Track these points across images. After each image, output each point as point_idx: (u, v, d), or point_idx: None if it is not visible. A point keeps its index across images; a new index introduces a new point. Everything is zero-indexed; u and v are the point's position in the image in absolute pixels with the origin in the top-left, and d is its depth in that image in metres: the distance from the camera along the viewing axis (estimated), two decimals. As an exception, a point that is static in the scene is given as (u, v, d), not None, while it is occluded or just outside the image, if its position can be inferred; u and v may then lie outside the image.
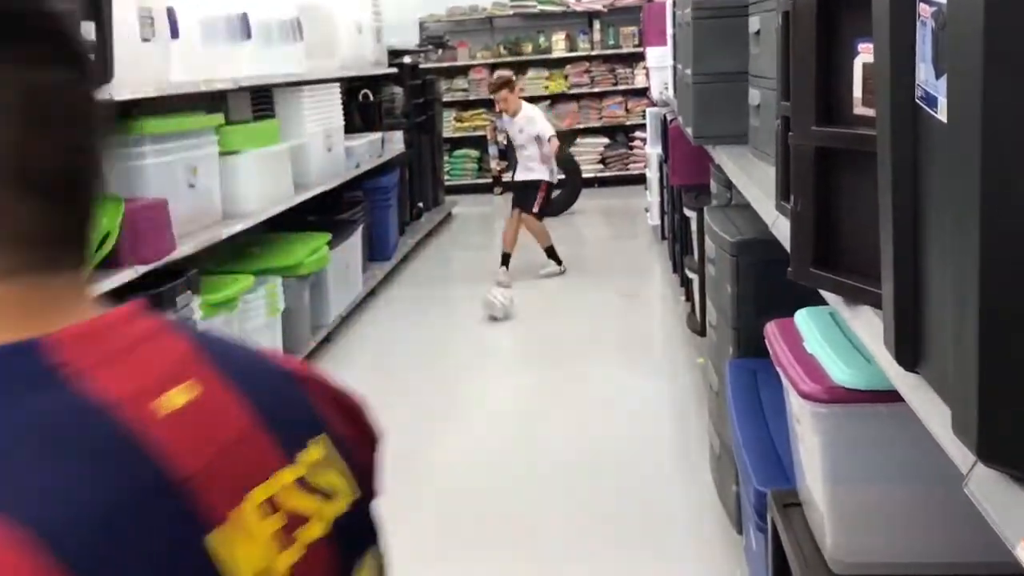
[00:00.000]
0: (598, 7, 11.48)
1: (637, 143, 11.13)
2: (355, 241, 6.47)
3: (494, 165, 11.32)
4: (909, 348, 1.04)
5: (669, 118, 6.54)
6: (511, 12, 11.61)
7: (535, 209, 7.31)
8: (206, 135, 4.43)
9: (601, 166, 11.41)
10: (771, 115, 2.86)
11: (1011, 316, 0.78)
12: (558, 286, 7.10)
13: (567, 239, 7.61)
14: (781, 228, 2.14)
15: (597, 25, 11.57)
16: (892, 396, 1.42)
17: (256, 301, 4.65)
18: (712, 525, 3.32)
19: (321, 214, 6.15)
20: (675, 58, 5.28)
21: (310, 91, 5.99)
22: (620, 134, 11.51)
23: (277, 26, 5.48)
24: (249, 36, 4.99)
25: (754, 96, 3.18)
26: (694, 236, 5.21)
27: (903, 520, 1.61)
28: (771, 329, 1.99)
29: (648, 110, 8.33)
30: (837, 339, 1.76)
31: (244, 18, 4.95)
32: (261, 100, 5.73)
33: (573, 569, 3.17)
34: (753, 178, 2.90)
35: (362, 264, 6.75)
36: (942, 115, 0.85)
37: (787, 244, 1.96)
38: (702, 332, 4.77)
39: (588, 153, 11.28)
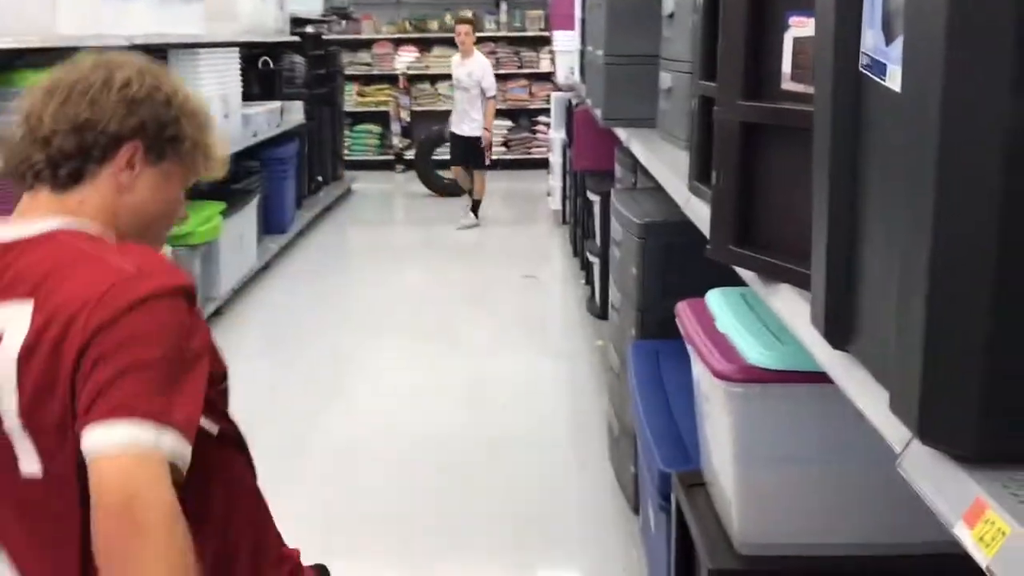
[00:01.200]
0: (506, -12, 11.40)
1: (540, 127, 11.12)
2: (250, 212, 6.28)
3: (396, 142, 11.16)
4: (839, 327, 1.02)
5: (575, 102, 6.53)
6: (418, -13, 11.44)
7: (488, 163, 8.33)
8: (95, 93, 4.20)
9: (504, 149, 11.37)
10: (682, 98, 2.86)
11: (959, 295, 0.76)
12: (458, 266, 7.04)
13: (468, 219, 7.58)
14: (694, 209, 2.13)
15: (504, 7, 11.49)
16: (809, 376, 1.42)
17: (144, 269, 4.45)
18: (607, 506, 3.32)
19: (215, 182, 5.93)
20: (584, 41, 5.27)
21: (207, 54, 5.76)
22: (523, 118, 11.49)
23: (175, -17, 5.24)
24: (145, -9, 4.76)
25: (665, 79, 3.18)
26: (596, 220, 5.21)
27: (813, 501, 1.61)
28: (682, 308, 1.98)
29: (553, 94, 8.31)
30: (749, 319, 1.76)
31: (140, -28, 4.71)
32: (155, 60, 5.48)
33: (464, 550, 3.13)
34: (663, 160, 2.90)
35: (257, 236, 6.56)
36: (892, 82, 0.83)
37: (700, 225, 1.94)
38: (602, 315, 4.78)
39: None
